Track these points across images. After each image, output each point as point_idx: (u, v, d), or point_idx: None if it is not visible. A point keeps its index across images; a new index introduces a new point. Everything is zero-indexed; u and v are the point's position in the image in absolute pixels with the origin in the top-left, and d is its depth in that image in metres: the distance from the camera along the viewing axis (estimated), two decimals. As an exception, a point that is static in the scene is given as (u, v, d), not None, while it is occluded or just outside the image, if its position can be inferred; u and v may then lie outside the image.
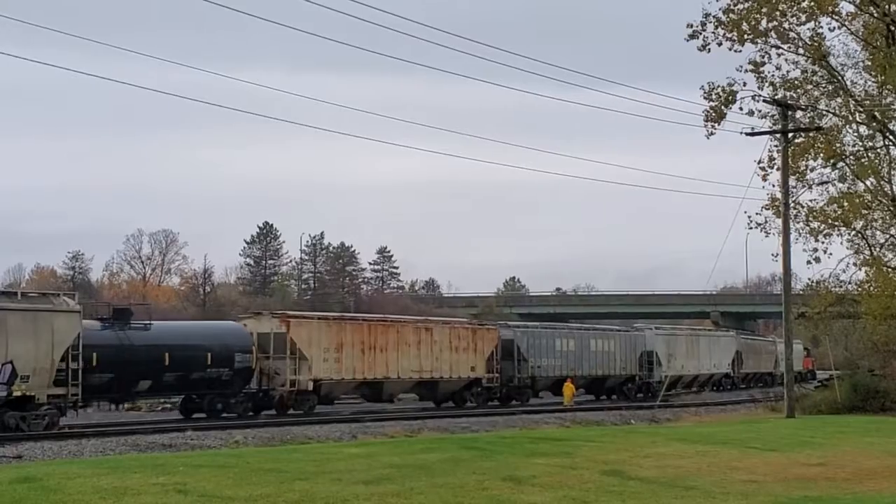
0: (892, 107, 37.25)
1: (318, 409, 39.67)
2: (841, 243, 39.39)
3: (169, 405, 41.84)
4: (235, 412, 36.42)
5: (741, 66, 35.61)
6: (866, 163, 38.21)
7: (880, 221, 39.69)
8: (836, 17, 35.80)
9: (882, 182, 38.49)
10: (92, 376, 31.33)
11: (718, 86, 35.69)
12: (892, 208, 37.98)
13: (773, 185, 37.31)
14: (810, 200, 38.89)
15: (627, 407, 43.01)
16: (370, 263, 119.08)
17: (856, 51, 37.53)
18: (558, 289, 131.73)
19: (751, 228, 38.34)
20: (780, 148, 36.47)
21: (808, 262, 38.54)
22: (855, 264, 39.23)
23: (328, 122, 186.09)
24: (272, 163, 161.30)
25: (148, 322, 35.73)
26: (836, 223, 38.25)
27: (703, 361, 61.56)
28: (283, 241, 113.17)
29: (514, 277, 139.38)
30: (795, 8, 35.22)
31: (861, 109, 37.35)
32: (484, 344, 46.82)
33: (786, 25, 35.42)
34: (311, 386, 38.99)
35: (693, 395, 56.71)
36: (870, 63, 36.83)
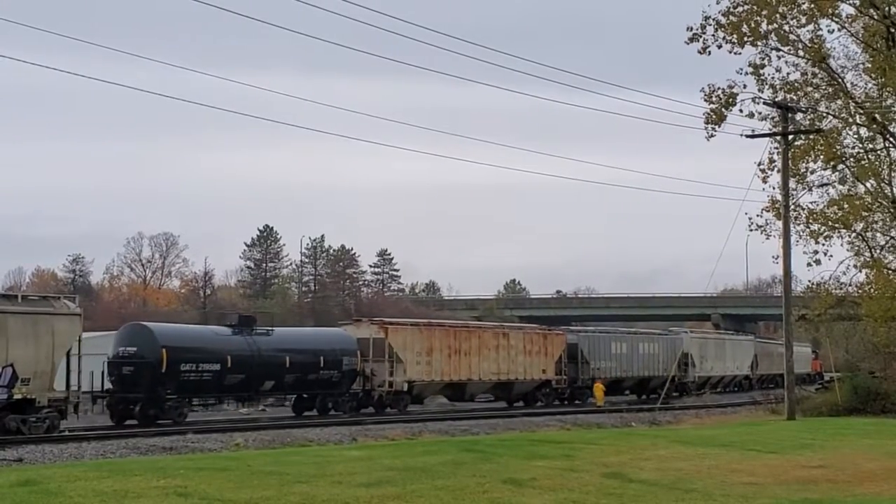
0: (893, 109, 37.25)
1: (410, 408, 43.17)
2: (841, 245, 39.41)
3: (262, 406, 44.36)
4: (342, 410, 39.93)
5: (741, 69, 35.66)
6: (866, 165, 38.19)
7: (881, 223, 39.69)
8: (836, 20, 35.82)
9: (882, 184, 38.48)
10: (227, 377, 36.04)
11: (718, 88, 35.74)
12: (892, 210, 37.97)
13: (774, 188, 37.35)
14: (810, 202, 38.93)
15: (628, 409, 43.69)
16: (371, 266, 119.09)
17: (856, 53, 37.57)
18: (559, 291, 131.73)
19: (751, 231, 38.36)
20: (780, 150, 36.48)
21: (809, 265, 38.55)
22: (855, 266, 39.25)
23: (328, 125, 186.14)
24: (273, 165, 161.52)
25: (270, 328, 39.65)
26: (837, 225, 38.23)
27: (728, 364, 65.82)
28: (284, 244, 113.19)
29: (514, 280, 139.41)
30: (795, 10, 35.25)
31: (861, 111, 37.35)
32: (553, 348, 50.21)
33: (786, 28, 35.44)
34: (405, 387, 42.61)
35: (706, 397, 57.99)
36: (870, 65, 36.83)
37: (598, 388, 49.43)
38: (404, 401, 42.60)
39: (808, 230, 38.09)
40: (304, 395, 40.46)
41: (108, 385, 35.30)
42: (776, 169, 36.89)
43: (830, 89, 37.55)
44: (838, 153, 37.72)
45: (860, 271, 39.35)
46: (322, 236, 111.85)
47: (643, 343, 57.26)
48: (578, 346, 52.22)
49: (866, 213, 38.72)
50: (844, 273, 39.11)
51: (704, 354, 62.29)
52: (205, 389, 36.51)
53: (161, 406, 34.39)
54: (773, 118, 36.87)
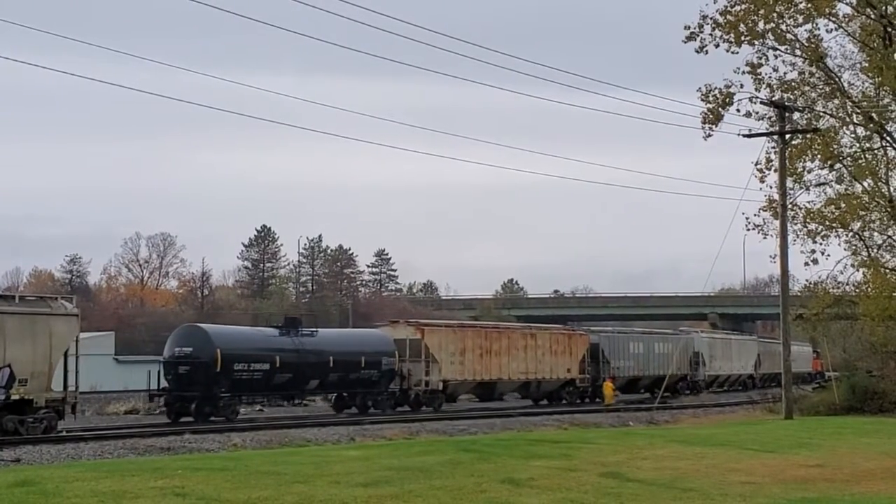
0: (889, 108, 37.29)
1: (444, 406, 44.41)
2: (838, 245, 39.44)
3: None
4: (381, 408, 41.59)
5: (738, 68, 35.70)
6: (863, 164, 38.24)
7: (878, 223, 39.71)
8: (834, 19, 35.86)
9: (879, 183, 38.51)
10: (276, 376, 37.88)
11: (716, 87, 35.80)
12: (889, 209, 38.00)
13: (771, 187, 37.39)
14: (808, 202, 38.96)
15: (626, 409, 43.92)
16: (368, 266, 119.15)
17: (853, 52, 37.61)
18: (556, 291, 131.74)
19: (748, 230, 38.40)
20: (777, 149, 36.50)
21: (806, 264, 38.59)
22: (852, 265, 39.27)
23: (326, 125, 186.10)
24: (270, 166, 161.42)
25: (314, 329, 41.41)
26: (834, 224, 38.25)
27: (735, 363, 67.69)
28: (282, 244, 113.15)
29: (512, 280, 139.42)
30: (792, 9, 35.29)
31: (858, 111, 37.39)
32: (577, 348, 51.77)
33: (783, 27, 35.49)
34: (441, 386, 44.17)
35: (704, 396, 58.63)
36: (867, 64, 36.87)
37: (608, 387, 49.84)
38: (439, 399, 44.10)
39: (805, 229, 38.14)
40: (345, 394, 42.01)
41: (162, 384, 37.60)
42: (773, 168, 36.94)
43: (827, 88, 37.59)
44: (835, 152, 37.76)
45: (857, 270, 39.42)
46: (320, 236, 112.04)
47: (658, 343, 58.85)
48: (600, 346, 53.68)
49: (863, 213, 38.74)
50: (842, 272, 39.19)
51: (714, 354, 64.17)
52: (255, 388, 38.34)
53: (215, 404, 36.08)
54: (770, 117, 36.91)
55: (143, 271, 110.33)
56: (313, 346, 39.61)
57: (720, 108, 35.89)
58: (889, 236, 39.84)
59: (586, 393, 52.40)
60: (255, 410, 41.66)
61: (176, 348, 37.06)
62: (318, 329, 42.12)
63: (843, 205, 38.19)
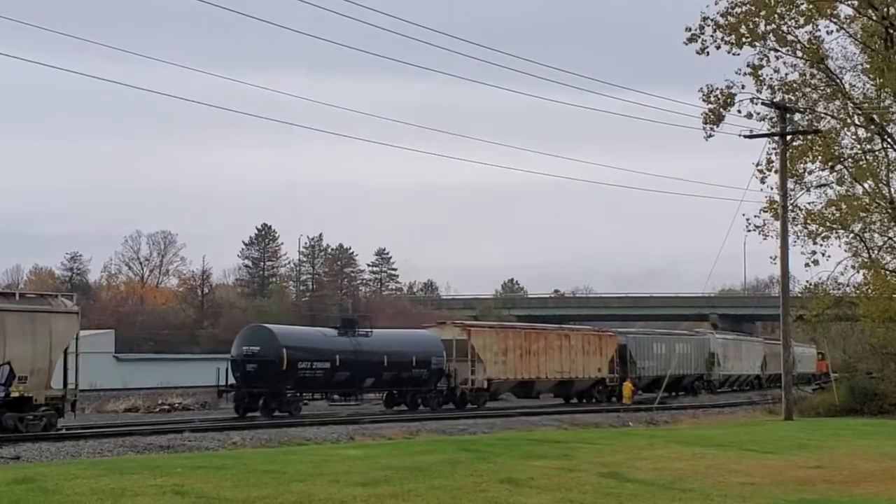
0: (891, 109, 37.25)
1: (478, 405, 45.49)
2: (839, 246, 39.40)
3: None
4: (429, 406, 43.45)
5: (740, 69, 35.65)
6: (864, 165, 38.20)
7: (878, 224, 39.69)
8: (835, 20, 35.82)
9: (880, 185, 38.49)
10: (336, 374, 40.05)
11: (717, 88, 35.74)
12: (890, 211, 37.98)
13: (772, 188, 37.35)
14: (808, 203, 38.92)
15: (625, 410, 44.24)
16: (369, 265, 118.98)
17: (854, 54, 37.56)
18: (556, 291, 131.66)
19: (749, 231, 38.37)
20: (778, 150, 36.48)
21: (807, 265, 38.56)
22: (853, 267, 39.23)
23: (327, 124, 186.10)
24: (271, 164, 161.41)
25: (370, 329, 43.17)
26: (835, 226, 38.24)
27: (745, 363, 69.89)
28: (282, 243, 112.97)
29: (512, 279, 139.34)
30: (794, 11, 35.24)
31: (859, 112, 37.37)
32: (607, 348, 53.57)
33: (784, 28, 35.43)
34: (486, 384, 45.99)
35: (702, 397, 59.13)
36: (868, 66, 36.84)
37: (627, 387, 50.81)
38: (483, 397, 45.84)
39: (805, 231, 38.12)
40: (395, 392, 43.92)
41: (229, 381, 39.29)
42: (774, 169, 36.90)
43: (829, 90, 37.55)
44: (836, 154, 37.72)
45: (858, 272, 39.38)
46: (320, 235, 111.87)
47: (678, 343, 60.83)
48: (627, 347, 55.34)
49: (864, 214, 38.73)
50: (842, 274, 39.15)
51: (727, 354, 66.42)
52: (317, 385, 40.35)
53: (281, 400, 38.23)
54: (771, 119, 36.89)
55: (143, 269, 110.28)
56: (369, 346, 41.64)
57: (721, 109, 35.86)
58: (890, 238, 39.82)
59: (614, 392, 53.55)
60: (317, 407, 42.85)
61: (244, 347, 38.95)
62: (373, 329, 43.92)
63: (843, 206, 38.18)
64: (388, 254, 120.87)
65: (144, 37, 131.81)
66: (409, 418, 36.91)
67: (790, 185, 37.06)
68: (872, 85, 37.69)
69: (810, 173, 38.44)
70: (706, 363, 63.24)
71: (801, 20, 35.29)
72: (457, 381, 45.05)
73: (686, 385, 61.46)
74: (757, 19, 34.85)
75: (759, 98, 36.17)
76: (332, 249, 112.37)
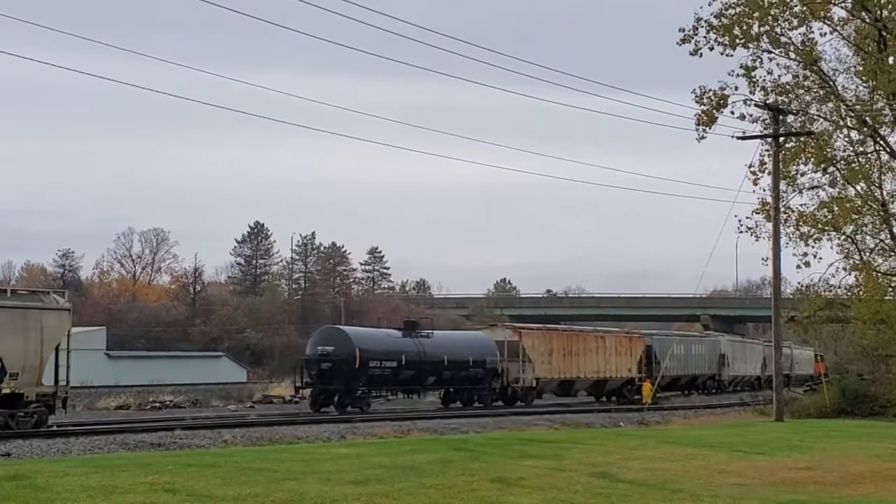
0: (883, 112, 37.35)
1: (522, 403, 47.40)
2: (831, 248, 39.57)
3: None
4: (484, 403, 45.92)
5: (733, 71, 35.75)
6: (857, 168, 38.31)
7: (870, 226, 39.83)
8: (828, 23, 35.96)
9: (872, 187, 38.61)
10: (402, 373, 42.48)
11: (710, 90, 35.85)
12: (881, 213, 38.10)
13: (764, 190, 37.42)
14: (801, 205, 39.04)
15: (617, 409, 44.54)
16: (361, 264, 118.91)
17: (847, 56, 37.70)
18: (549, 291, 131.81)
19: (741, 232, 38.48)
20: (771, 152, 36.50)
21: (798, 267, 38.69)
22: (844, 269, 39.39)
23: (321, 123, 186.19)
24: (264, 162, 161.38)
25: (430, 331, 45.85)
26: (826, 228, 38.34)
27: (748, 365, 71.93)
28: (274, 241, 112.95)
29: (504, 279, 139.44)
30: (787, 13, 35.36)
31: (852, 114, 37.46)
32: (636, 349, 55.68)
33: (778, 30, 35.56)
34: (535, 383, 48.42)
35: (684, 398, 59.71)
36: (861, 68, 36.95)
37: (647, 388, 51.38)
38: (531, 395, 48.41)
39: (797, 232, 38.23)
40: (451, 389, 46.27)
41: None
42: (767, 171, 36.94)
43: (822, 92, 37.66)
44: (829, 156, 37.83)
45: (849, 274, 39.54)
46: (313, 233, 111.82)
47: (694, 345, 64.06)
48: (652, 348, 57.45)
49: (856, 216, 38.84)
50: (834, 275, 39.32)
51: (735, 356, 68.88)
52: (385, 383, 42.67)
53: (353, 396, 40.26)
54: (764, 120, 36.94)
55: (135, 266, 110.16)
56: (431, 347, 44.06)
57: (714, 111, 35.95)
58: (881, 240, 39.93)
59: (640, 391, 54.73)
60: (385, 403, 44.79)
61: (319, 347, 41.27)
62: (434, 331, 46.34)
63: (835, 208, 38.27)
64: (380, 252, 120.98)
65: (142, 35, 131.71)
66: (399, 417, 36.96)
67: (782, 186, 37.12)
68: (865, 87, 37.82)
69: (803, 175, 38.59)
70: (717, 364, 65.74)
71: (795, 22, 35.46)
72: (508, 380, 47.31)
73: (699, 384, 64.05)
74: (750, 21, 34.98)
75: (752, 100, 36.32)
76: (324, 248, 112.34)
